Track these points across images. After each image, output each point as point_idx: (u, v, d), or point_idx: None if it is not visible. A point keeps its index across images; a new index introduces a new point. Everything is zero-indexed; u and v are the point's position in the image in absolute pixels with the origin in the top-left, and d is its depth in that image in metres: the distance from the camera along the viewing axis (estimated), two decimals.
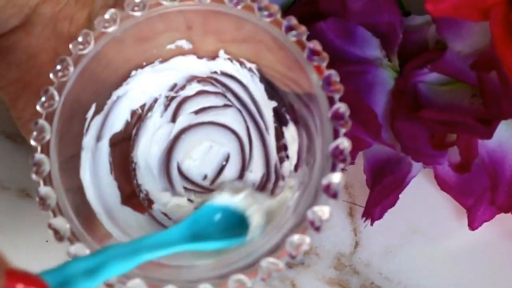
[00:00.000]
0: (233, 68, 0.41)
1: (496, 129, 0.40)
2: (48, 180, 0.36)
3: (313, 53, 0.36)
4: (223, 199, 0.39)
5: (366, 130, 0.43)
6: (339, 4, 0.43)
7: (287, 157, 0.42)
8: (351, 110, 0.42)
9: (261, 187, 0.42)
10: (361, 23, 0.43)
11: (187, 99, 0.43)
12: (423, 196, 0.47)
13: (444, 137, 0.43)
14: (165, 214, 0.42)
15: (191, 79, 0.43)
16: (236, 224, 0.39)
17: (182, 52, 0.41)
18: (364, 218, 0.46)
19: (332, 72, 0.35)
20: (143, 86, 0.42)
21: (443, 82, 0.43)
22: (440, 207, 0.47)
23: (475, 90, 0.42)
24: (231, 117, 0.43)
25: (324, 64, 0.35)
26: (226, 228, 0.39)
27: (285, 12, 0.37)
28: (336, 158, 0.34)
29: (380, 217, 0.46)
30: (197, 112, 0.43)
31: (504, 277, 0.46)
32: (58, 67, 0.37)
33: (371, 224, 0.46)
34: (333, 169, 0.34)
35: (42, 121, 0.36)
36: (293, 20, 0.36)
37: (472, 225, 0.46)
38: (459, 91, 0.43)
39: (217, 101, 0.43)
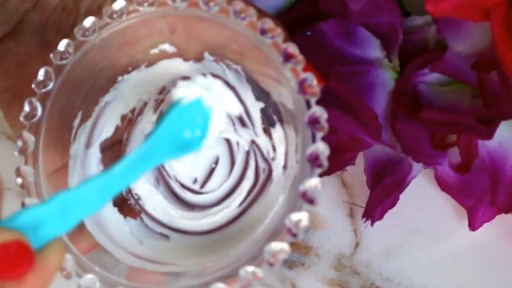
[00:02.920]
0: (220, 70, 0.41)
1: (497, 129, 0.40)
2: (33, 192, 0.36)
3: (288, 56, 0.35)
4: (197, 91, 0.37)
5: (367, 131, 0.43)
6: (339, 4, 0.43)
7: (275, 158, 0.42)
8: (351, 110, 0.42)
9: (251, 189, 0.42)
10: (361, 24, 0.43)
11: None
12: (423, 197, 0.47)
13: (444, 137, 0.43)
14: (156, 219, 0.42)
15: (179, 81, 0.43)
16: (195, 123, 0.37)
17: (167, 56, 0.41)
18: (364, 219, 0.46)
19: (308, 75, 0.34)
20: (132, 91, 0.42)
21: (444, 82, 0.43)
22: (441, 208, 0.47)
23: (475, 90, 0.42)
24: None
25: (300, 67, 0.34)
26: (186, 126, 0.36)
27: (286, 13, 0.37)
28: (313, 163, 0.33)
29: (380, 217, 0.46)
30: None
31: (504, 277, 0.46)
32: (40, 77, 0.37)
33: (372, 225, 0.46)
34: (310, 174, 0.33)
35: (26, 133, 0.36)
36: (268, 23, 0.35)
37: (473, 226, 0.46)
38: (459, 92, 0.43)
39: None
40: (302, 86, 0.34)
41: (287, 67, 0.35)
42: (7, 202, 0.49)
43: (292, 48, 0.35)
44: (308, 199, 0.33)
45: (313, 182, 0.33)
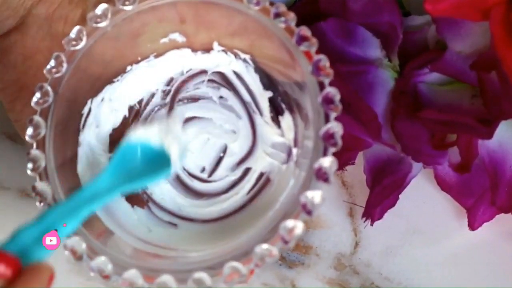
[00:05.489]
0: (228, 60, 0.41)
1: (496, 129, 0.40)
2: (44, 176, 0.36)
3: (301, 38, 0.36)
4: (138, 133, 0.39)
5: (366, 130, 0.43)
6: (339, 4, 0.43)
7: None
8: (351, 110, 0.42)
9: (260, 176, 0.42)
10: (361, 23, 0.43)
11: (184, 92, 0.43)
12: (423, 197, 0.47)
13: (444, 137, 0.43)
14: (163, 208, 0.42)
15: (187, 72, 0.43)
16: (159, 156, 0.39)
17: (176, 46, 0.41)
18: (364, 218, 0.46)
19: (322, 57, 0.35)
20: (140, 81, 0.42)
21: (443, 82, 0.43)
22: (440, 208, 0.47)
23: (475, 90, 0.42)
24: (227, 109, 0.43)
25: (313, 49, 0.35)
26: (150, 162, 0.39)
27: None
28: (327, 142, 0.34)
29: (380, 217, 0.46)
30: (194, 105, 0.43)
31: (504, 277, 0.46)
32: (52, 63, 0.37)
33: (371, 224, 0.46)
34: (324, 153, 0.34)
35: (37, 117, 0.37)
36: (281, 7, 0.36)
37: (472, 226, 0.46)
38: (459, 91, 0.43)
39: (214, 93, 0.43)
40: (316, 67, 0.35)
41: (301, 50, 0.36)
42: (7, 202, 0.49)
43: (306, 31, 0.35)
44: (323, 177, 0.34)
45: (328, 160, 0.34)
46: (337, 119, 0.34)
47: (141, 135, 0.39)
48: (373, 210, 0.45)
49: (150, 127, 0.39)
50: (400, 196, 0.46)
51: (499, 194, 0.43)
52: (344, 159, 0.45)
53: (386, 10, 0.43)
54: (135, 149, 0.39)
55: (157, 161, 0.39)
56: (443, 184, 0.46)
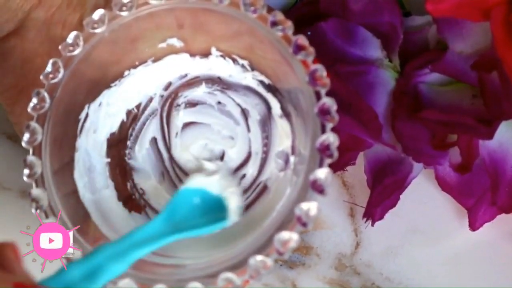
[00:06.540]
0: (226, 65, 0.41)
1: (497, 129, 0.40)
2: (40, 182, 0.36)
3: (298, 48, 0.35)
4: (197, 181, 0.39)
5: (367, 131, 0.43)
6: (339, 4, 0.43)
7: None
8: (352, 110, 0.42)
9: (257, 184, 0.42)
10: (361, 24, 0.43)
11: (182, 97, 0.43)
12: (424, 197, 0.47)
13: (445, 137, 0.43)
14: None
15: (185, 77, 0.43)
16: (214, 207, 0.38)
17: (174, 51, 0.41)
18: (365, 219, 0.46)
19: (318, 66, 0.35)
20: (138, 86, 0.42)
21: (444, 82, 0.43)
22: (441, 208, 0.47)
23: (475, 90, 0.42)
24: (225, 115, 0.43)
25: (310, 59, 0.35)
26: (205, 212, 0.38)
27: (286, 13, 0.37)
28: (323, 154, 0.34)
29: (381, 217, 0.46)
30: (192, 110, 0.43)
31: (504, 277, 0.46)
32: (49, 69, 0.37)
33: (372, 225, 0.46)
34: (320, 164, 0.34)
35: (33, 124, 0.37)
36: (279, 15, 0.36)
37: (473, 226, 0.45)
38: (460, 92, 0.43)
39: (212, 99, 0.43)
40: (312, 77, 0.35)
41: (298, 59, 0.35)
42: (7, 202, 0.49)
43: (303, 40, 0.35)
44: (318, 188, 0.33)
45: (323, 172, 0.33)
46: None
47: (201, 182, 0.39)
48: (374, 210, 0.45)
49: (210, 175, 0.39)
50: (401, 196, 0.46)
51: (499, 194, 0.43)
52: (344, 159, 0.45)
53: (387, 10, 0.43)
54: (191, 195, 0.38)
55: (214, 211, 0.38)
56: (443, 184, 0.46)
